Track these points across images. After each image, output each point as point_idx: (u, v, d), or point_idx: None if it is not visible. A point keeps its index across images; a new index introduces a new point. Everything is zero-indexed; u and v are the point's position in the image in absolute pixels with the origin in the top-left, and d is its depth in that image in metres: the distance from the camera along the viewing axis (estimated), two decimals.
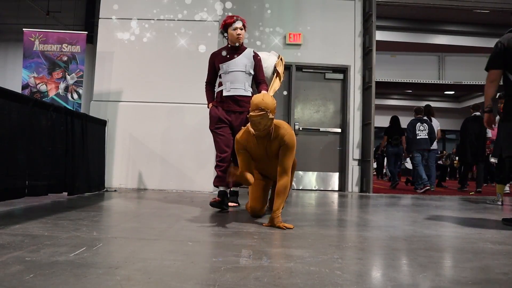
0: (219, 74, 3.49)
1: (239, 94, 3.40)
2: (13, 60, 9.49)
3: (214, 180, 3.42)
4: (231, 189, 3.64)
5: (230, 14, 3.62)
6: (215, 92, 3.55)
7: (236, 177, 2.67)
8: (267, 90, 3.40)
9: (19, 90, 5.61)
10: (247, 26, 3.55)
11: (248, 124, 2.76)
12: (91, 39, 7.89)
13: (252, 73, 3.48)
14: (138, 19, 5.33)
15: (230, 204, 3.52)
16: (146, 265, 1.55)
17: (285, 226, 2.52)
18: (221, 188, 3.38)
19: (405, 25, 9.66)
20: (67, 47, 5.95)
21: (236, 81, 3.40)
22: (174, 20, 5.33)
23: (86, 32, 6.22)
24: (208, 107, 3.54)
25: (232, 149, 3.38)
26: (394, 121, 8.23)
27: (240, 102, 3.40)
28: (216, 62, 3.49)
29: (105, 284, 1.32)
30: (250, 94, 3.43)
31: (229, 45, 3.50)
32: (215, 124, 3.40)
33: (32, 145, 3.03)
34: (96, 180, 4.42)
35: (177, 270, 1.49)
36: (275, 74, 3.56)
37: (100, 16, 5.49)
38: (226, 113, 3.40)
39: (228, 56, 3.44)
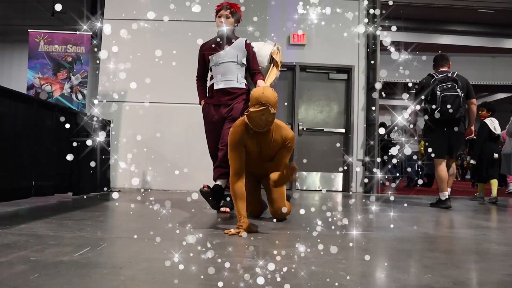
0: (209, 67, 3.24)
1: (231, 86, 3.13)
2: (19, 61, 9.54)
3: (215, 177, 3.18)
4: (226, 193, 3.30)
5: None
6: (207, 87, 3.33)
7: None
8: (263, 80, 3.13)
9: (24, 91, 5.64)
10: (240, 15, 3.27)
11: (245, 117, 2.52)
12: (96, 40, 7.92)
13: (245, 63, 3.20)
14: (142, 19, 5.35)
15: (222, 209, 3.23)
16: (150, 265, 1.56)
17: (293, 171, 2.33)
18: (219, 182, 3.11)
19: (409, 25, 9.62)
20: (71, 48, 5.98)
21: (227, 72, 3.13)
22: (179, 20, 5.33)
23: (90, 33, 6.25)
24: (200, 103, 3.33)
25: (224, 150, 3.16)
26: (382, 125, 8.85)
27: (232, 94, 3.13)
28: (205, 53, 3.23)
29: (109, 284, 1.32)
30: (244, 86, 3.18)
31: (218, 35, 3.22)
32: (209, 127, 3.24)
33: (37, 145, 3.05)
34: (101, 180, 4.44)
35: (181, 270, 1.49)
36: (272, 63, 3.28)
37: (104, 17, 5.51)
38: (217, 109, 3.15)
39: (217, 46, 3.15)
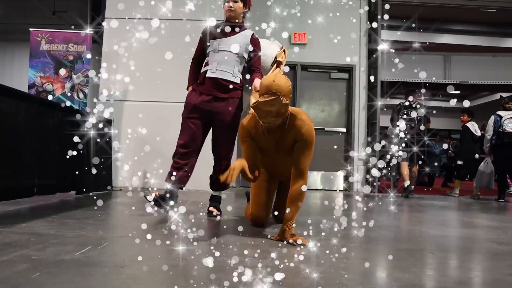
0: (207, 52, 2.97)
1: (225, 78, 2.87)
2: (20, 59, 9.55)
3: (167, 177, 2.95)
4: (213, 193, 3.14)
5: None
6: (200, 73, 3.02)
7: (239, 171, 2.12)
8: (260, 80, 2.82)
9: (25, 90, 5.65)
10: (249, 1, 3.02)
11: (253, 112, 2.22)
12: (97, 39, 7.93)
13: (246, 57, 2.95)
14: (144, 18, 5.34)
15: (211, 209, 3.01)
16: (152, 264, 1.56)
17: (296, 241, 2.04)
18: (169, 186, 2.87)
19: (410, 25, 9.60)
20: (73, 46, 5.98)
21: (224, 62, 2.88)
22: (181, 19, 5.33)
23: (92, 32, 6.25)
24: (187, 89, 3.05)
25: (197, 148, 3.01)
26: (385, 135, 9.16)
27: (225, 87, 2.86)
28: (208, 36, 2.97)
29: (110, 282, 1.33)
30: (238, 81, 2.92)
31: (226, 21, 2.98)
32: (188, 113, 2.93)
33: (40, 144, 3.05)
34: (103, 179, 4.44)
35: (182, 269, 1.50)
36: (275, 65, 3.02)
37: (106, 16, 5.51)
38: (205, 102, 2.88)
39: (222, 32, 2.87)
